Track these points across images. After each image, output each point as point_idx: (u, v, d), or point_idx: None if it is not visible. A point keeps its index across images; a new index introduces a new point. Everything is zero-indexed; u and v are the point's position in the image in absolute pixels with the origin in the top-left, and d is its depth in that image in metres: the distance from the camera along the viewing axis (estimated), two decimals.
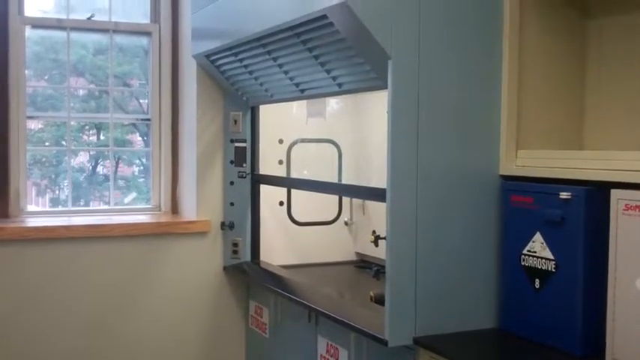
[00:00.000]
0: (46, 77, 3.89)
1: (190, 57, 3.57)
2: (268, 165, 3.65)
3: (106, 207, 3.92)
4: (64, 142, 3.85)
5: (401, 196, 2.27)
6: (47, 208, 3.90)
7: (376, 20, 2.18)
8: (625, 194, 1.96)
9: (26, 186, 3.68)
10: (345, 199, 3.80)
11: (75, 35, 3.79)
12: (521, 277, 2.31)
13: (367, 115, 3.69)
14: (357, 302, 2.81)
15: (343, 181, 3.66)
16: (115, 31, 3.82)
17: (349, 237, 3.87)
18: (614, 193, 1.98)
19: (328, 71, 2.58)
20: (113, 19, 3.80)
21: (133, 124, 4.06)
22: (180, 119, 3.85)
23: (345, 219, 3.84)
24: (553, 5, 2.47)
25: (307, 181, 3.42)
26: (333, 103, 3.73)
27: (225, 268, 3.65)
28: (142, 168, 4.12)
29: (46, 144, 3.92)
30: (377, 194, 2.41)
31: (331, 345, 2.87)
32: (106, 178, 3.99)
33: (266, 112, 3.60)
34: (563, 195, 2.13)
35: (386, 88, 2.26)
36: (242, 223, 3.62)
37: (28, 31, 3.65)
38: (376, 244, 2.57)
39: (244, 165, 3.60)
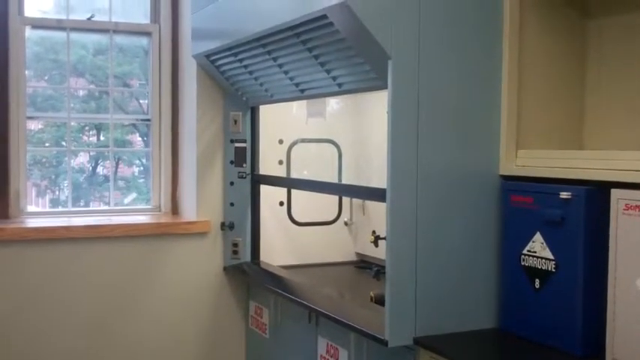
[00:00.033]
0: (46, 78, 3.89)
1: (190, 57, 3.57)
2: (268, 165, 3.65)
3: (106, 207, 3.92)
4: (64, 143, 3.85)
5: (401, 196, 2.27)
6: (47, 209, 3.90)
7: (376, 20, 2.18)
8: (625, 194, 1.96)
9: (26, 187, 3.68)
10: (345, 200, 3.79)
11: (75, 35, 3.79)
12: (521, 277, 2.31)
13: (367, 115, 3.69)
14: (357, 302, 2.81)
15: (343, 182, 3.66)
16: (115, 32, 3.82)
17: (349, 237, 3.87)
18: (614, 193, 1.98)
19: (328, 71, 2.58)
20: (113, 20, 3.80)
21: (133, 125, 4.06)
22: (180, 119, 3.85)
23: (345, 219, 3.84)
24: (553, 5, 2.47)
25: (307, 182, 3.41)
26: (333, 103, 3.73)
27: (225, 269, 3.65)
28: (141, 168, 4.12)
29: (46, 144, 3.92)
30: (377, 194, 2.41)
31: (331, 345, 2.87)
32: (106, 178, 3.99)
33: (266, 112, 3.60)
34: (563, 195, 2.13)
35: (386, 88, 2.26)
36: (242, 223, 3.62)
37: (28, 32, 3.65)
38: (376, 245, 2.57)
39: (244, 165, 3.60)
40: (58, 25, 3.71)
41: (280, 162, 3.66)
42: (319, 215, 3.73)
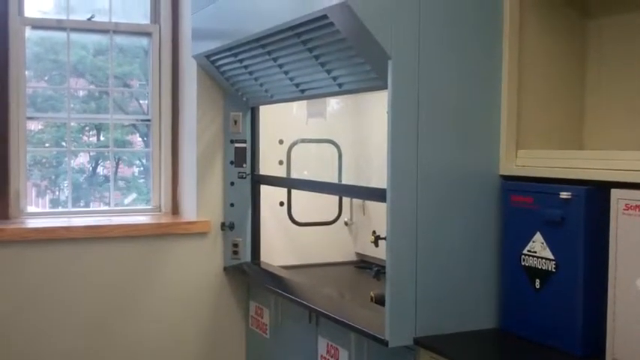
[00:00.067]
0: (46, 78, 3.89)
1: (190, 57, 3.57)
2: (268, 165, 3.65)
3: (106, 208, 3.92)
4: (64, 143, 3.85)
5: (401, 197, 2.27)
6: (47, 209, 3.89)
7: (376, 20, 2.18)
8: (625, 194, 1.96)
9: (26, 187, 3.68)
10: (346, 200, 3.79)
11: (75, 36, 3.79)
12: (521, 277, 2.31)
13: (367, 116, 3.69)
14: (357, 303, 2.81)
15: (343, 182, 3.66)
16: (115, 32, 3.82)
17: (349, 237, 3.87)
18: (614, 193, 1.98)
19: (328, 71, 2.58)
20: (113, 20, 3.80)
21: (133, 125, 4.06)
22: (181, 120, 3.86)
23: (346, 219, 3.84)
24: (553, 5, 2.47)
25: (307, 182, 3.41)
26: (333, 104, 3.73)
27: (225, 269, 3.65)
28: (142, 169, 4.12)
29: (46, 145, 3.92)
30: (377, 194, 2.41)
31: (332, 345, 2.87)
32: (106, 178, 3.99)
33: (266, 112, 3.60)
34: (564, 195, 2.13)
35: (386, 88, 2.26)
36: (242, 223, 3.62)
37: (28, 32, 3.65)
38: (376, 245, 2.57)
39: (244, 165, 3.60)
40: (58, 26, 3.71)
41: (280, 162, 3.66)
42: (319, 215, 3.73)
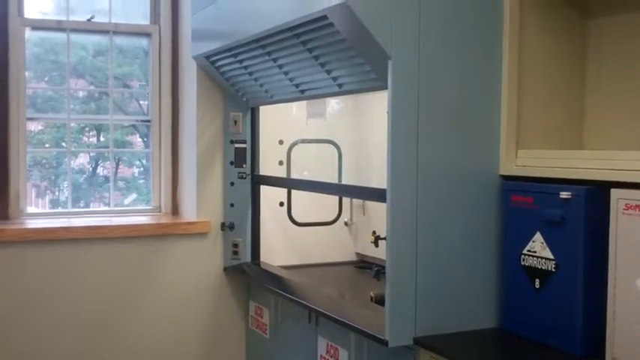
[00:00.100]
0: (46, 79, 3.89)
1: (190, 58, 3.57)
2: (268, 166, 3.65)
3: (106, 208, 3.92)
4: (64, 144, 3.85)
5: (401, 197, 2.27)
6: (47, 210, 3.89)
7: (376, 20, 2.18)
8: (625, 194, 1.96)
9: (26, 188, 3.68)
10: (346, 200, 3.79)
11: (75, 37, 3.79)
12: (521, 277, 2.31)
13: (367, 116, 3.69)
14: (357, 303, 2.81)
15: (343, 182, 3.66)
16: (115, 33, 3.82)
17: (349, 237, 3.87)
18: (614, 193, 1.98)
19: (328, 72, 2.58)
20: (113, 21, 3.80)
21: (133, 126, 4.06)
22: (180, 120, 3.86)
23: (346, 219, 3.84)
24: (553, 5, 2.47)
25: (307, 182, 3.42)
26: (333, 104, 3.73)
27: (225, 269, 3.65)
28: (142, 169, 4.12)
29: (46, 145, 3.92)
30: (377, 195, 2.41)
31: (331, 345, 2.87)
32: (106, 179, 3.99)
33: (266, 112, 3.60)
34: (563, 195, 2.13)
35: (386, 88, 2.26)
36: (242, 223, 3.62)
37: (28, 33, 3.65)
38: (376, 245, 2.57)
39: (244, 166, 3.60)
40: (58, 27, 3.70)
41: (280, 162, 3.66)
42: (319, 215, 3.73)
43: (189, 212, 3.72)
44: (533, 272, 2.27)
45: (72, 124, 3.86)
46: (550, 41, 2.47)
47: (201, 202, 3.62)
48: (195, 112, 3.60)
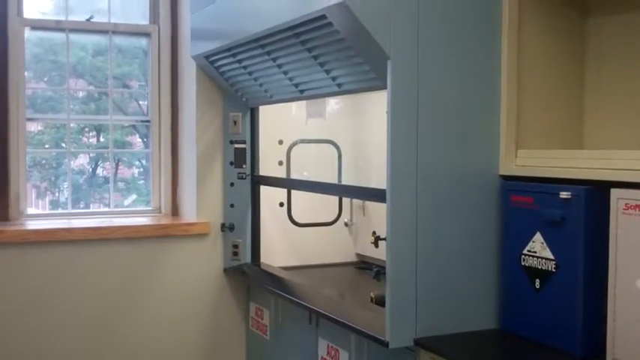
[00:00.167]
0: (46, 79, 3.89)
1: (190, 58, 3.57)
2: (268, 166, 3.65)
3: (106, 209, 3.92)
4: (63, 144, 3.85)
5: (401, 197, 2.27)
6: (47, 211, 3.89)
7: (375, 20, 2.18)
8: (625, 194, 1.95)
9: (26, 188, 3.68)
10: (345, 200, 3.79)
11: (74, 37, 3.79)
12: (521, 277, 2.30)
13: (367, 116, 3.69)
14: (357, 303, 2.80)
15: (343, 182, 3.65)
16: (114, 33, 3.81)
17: (349, 238, 3.87)
18: (614, 193, 1.98)
19: (328, 71, 2.58)
20: (112, 21, 3.80)
21: (133, 126, 4.06)
22: (180, 120, 3.85)
23: (346, 220, 3.83)
24: (552, 4, 2.47)
25: (307, 182, 3.41)
26: (332, 104, 3.73)
27: (225, 270, 3.64)
28: (141, 170, 4.12)
29: (46, 146, 3.92)
30: (377, 195, 2.41)
31: (332, 346, 2.87)
32: (106, 180, 3.98)
33: (266, 112, 3.60)
34: (563, 195, 2.13)
35: (385, 88, 2.26)
36: (242, 224, 3.62)
37: (28, 33, 3.65)
38: (376, 245, 2.57)
39: (244, 166, 3.60)
40: (57, 27, 3.70)
41: (280, 163, 3.66)
42: (319, 216, 3.72)
43: (189, 213, 3.71)
44: (533, 272, 2.26)
45: (72, 125, 3.85)
46: (549, 41, 2.47)
47: (201, 202, 3.61)
48: (194, 112, 3.60)
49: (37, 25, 3.70)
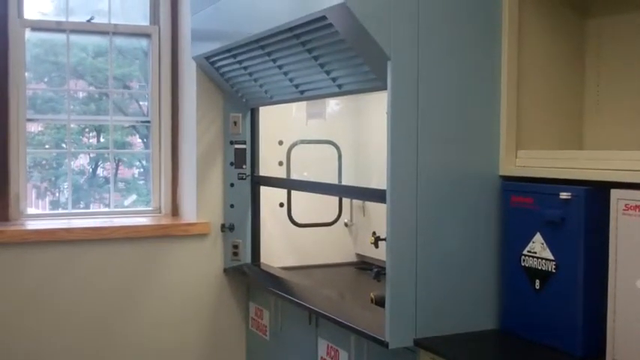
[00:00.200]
0: (46, 80, 3.89)
1: (190, 59, 3.57)
2: (268, 166, 3.65)
3: (106, 209, 3.92)
4: (64, 145, 3.85)
5: (401, 197, 2.27)
6: (47, 211, 3.89)
7: (375, 21, 2.18)
8: (625, 194, 1.95)
9: (26, 189, 3.68)
10: (346, 201, 3.79)
11: (74, 37, 3.79)
12: (521, 277, 2.30)
13: (367, 116, 3.69)
14: (357, 304, 2.81)
15: (343, 183, 3.65)
16: (115, 33, 3.82)
17: (349, 238, 3.87)
18: (614, 193, 1.98)
19: (328, 72, 2.58)
20: (113, 22, 3.80)
21: (133, 127, 4.06)
22: (180, 121, 3.85)
23: (346, 220, 3.83)
24: (552, 5, 2.47)
25: (307, 183, 3.41)
26: (332, 104, 3.73)
27: (225, 270, 3.64)
28: (142, 170, 4.12)
29: (46, 146, 3.92)
30: (377, 195, 2.41)
31: (332, 347, 2.87)
32: (106, 180, 3.99)
33: (266, 113, 3.60)
34: (563, 195, 2.13)
35: (385, 88, 2.26)
36: (242, 224, 3.62)
37: (28, 34, 3.65)
38: (376, 246, 2.57)
39: (244, 167, 3.60)
40: (57, 27, 3.70)
41: (280, 163, 3.66)
42: (319, 216, 3.72)
43: (189, 213, 3.71)
44: (533, 273, 2.26)
45: (72, 125, 3.86)
46: (549, 41, 2.47)
47: (201, 203, 3.61)
48: (195, 112, 3.60)
49: (38, 26, 3.70)
